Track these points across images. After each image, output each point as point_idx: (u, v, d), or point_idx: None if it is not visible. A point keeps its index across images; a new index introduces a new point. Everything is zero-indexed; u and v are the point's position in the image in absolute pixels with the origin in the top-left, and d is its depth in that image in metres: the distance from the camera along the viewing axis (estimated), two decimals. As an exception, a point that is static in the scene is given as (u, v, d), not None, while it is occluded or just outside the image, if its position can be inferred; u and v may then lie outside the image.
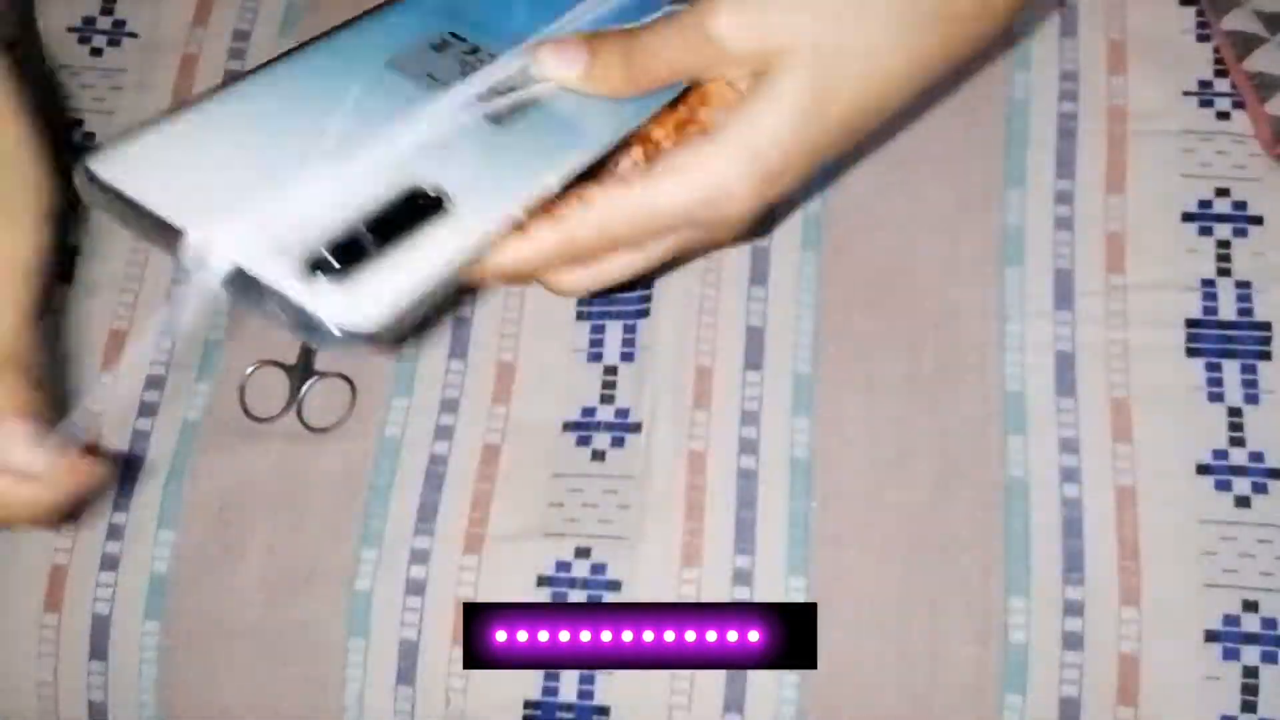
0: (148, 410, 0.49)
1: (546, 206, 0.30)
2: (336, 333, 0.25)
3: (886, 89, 0.31)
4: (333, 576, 0.46)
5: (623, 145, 0.33)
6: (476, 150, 0.30)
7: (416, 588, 0.46)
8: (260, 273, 0.25)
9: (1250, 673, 0.42)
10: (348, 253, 0.26)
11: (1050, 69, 0.50)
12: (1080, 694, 0.42)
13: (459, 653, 0.45)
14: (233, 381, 0.49)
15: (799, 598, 0.44)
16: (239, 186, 0.27)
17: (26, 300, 0.31)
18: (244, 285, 0.25)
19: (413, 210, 0.28)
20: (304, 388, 0.49)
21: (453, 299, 0.28)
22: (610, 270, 0.33)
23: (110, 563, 0.47)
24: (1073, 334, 0.46)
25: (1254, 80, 0.48)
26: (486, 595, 0.45)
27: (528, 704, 0.44)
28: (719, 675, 0.44)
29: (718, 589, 0.44)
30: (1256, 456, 0.44)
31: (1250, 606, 0.42)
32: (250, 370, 0.49)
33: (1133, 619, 0.43)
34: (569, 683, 0.44)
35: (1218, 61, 0.49)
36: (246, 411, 0.49)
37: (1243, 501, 0.44)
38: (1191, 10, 0.50)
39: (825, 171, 0.49)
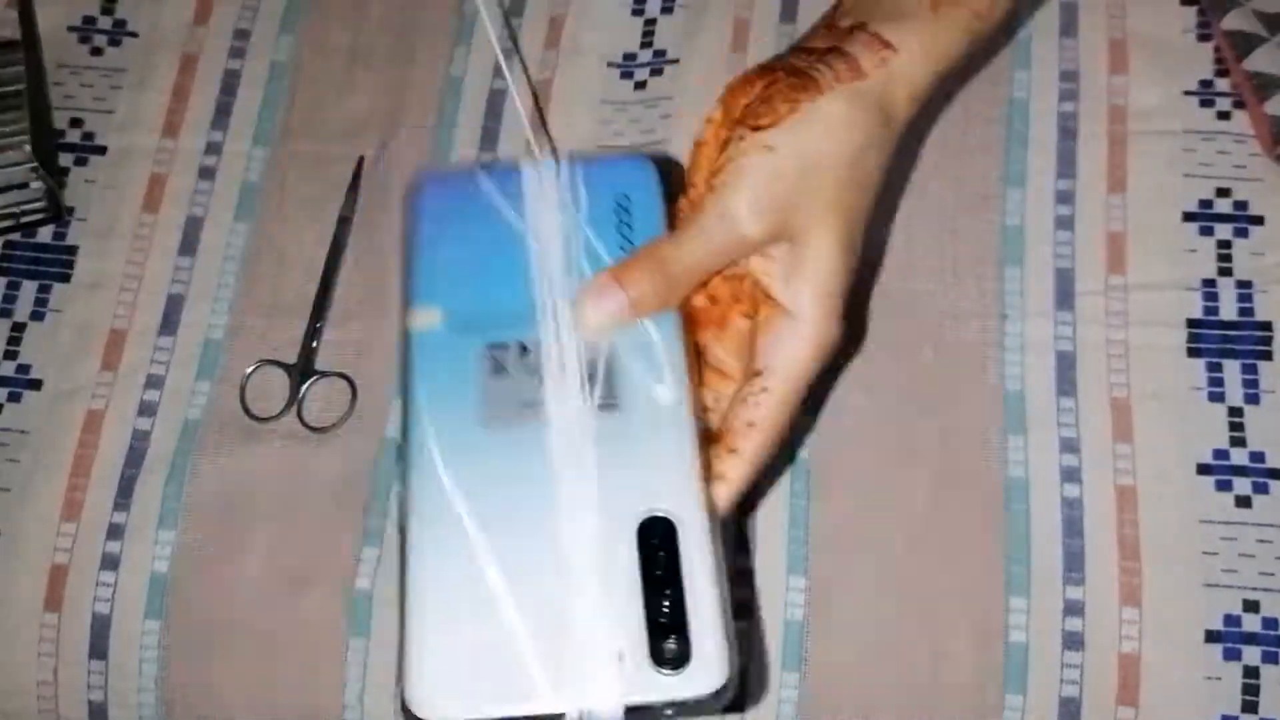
0: (148, 410, 0.49)
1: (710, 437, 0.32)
2: (719, 703, 0.27)
3: (878, 178, 0.36)
4: (333, 576, 0.46)
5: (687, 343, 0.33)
6: (642, 453, 0.30)
7: (417, 587, 0.46)
8: (638, 699, 0.27)
9: (1251, 673, 0.42)
10: (667, 629, 0.27)
11: (1050, 69, 0.50)
12: (1080, 694, 0.42)
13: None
14: (233, 381, 0.49)
15: (799, 598, 0.44)
16: (547, 639, 0.27)
17: None
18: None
19: (654, 542, 0.28)
20: (304, 387, 0.49)
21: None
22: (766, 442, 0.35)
23: (110, 562, 0.47)
24: (1073, 334, 0.46)
25: (1253, 80, 0.47)
26: (487, 595, 0.45)
27: (528, 704, 0.44)
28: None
29: (718, 589, 0.44)
30: (1257, 456, 0.44)
31: (1251, 606, 0.42)
32: (251, 369, 0.49)
33: (1133, 619, 0.43)
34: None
35: (1218, 61, 0.49)
36: (247, 411, 0.49)
37: (1243, 501, 0.44)
38: (1192, 10, 0.50)
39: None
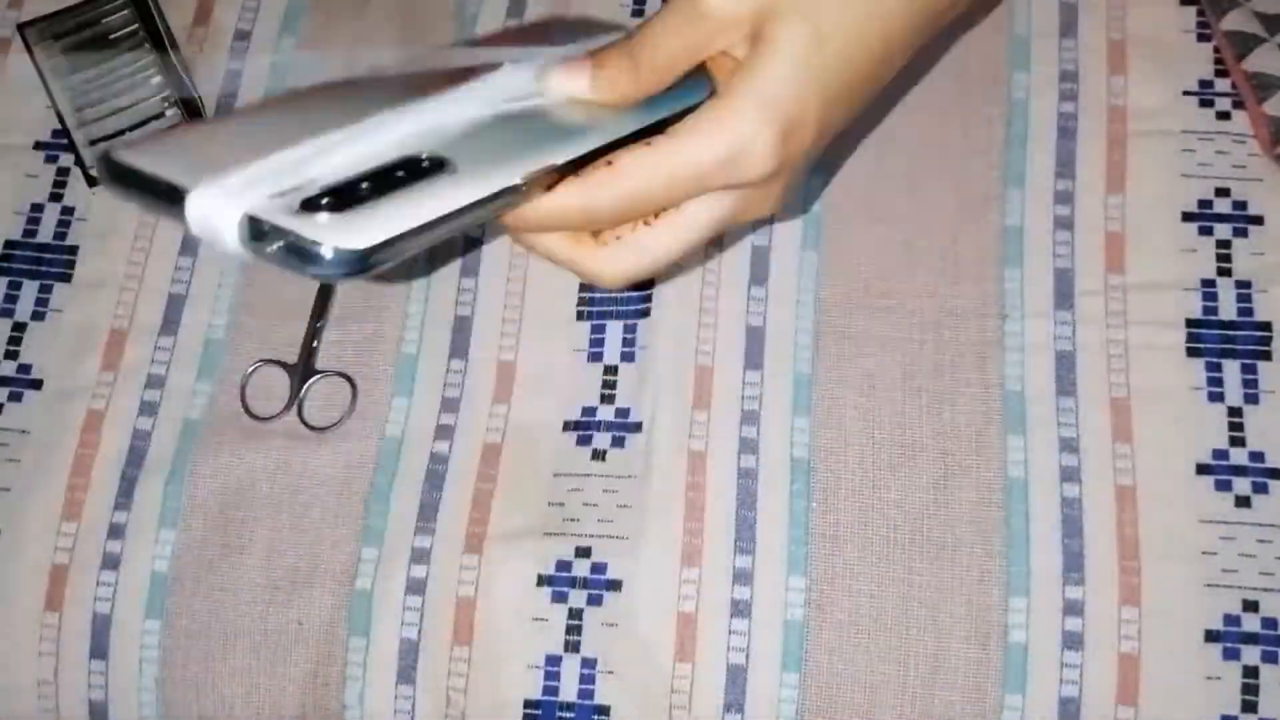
0: (149, 409, 0.50)
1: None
2: (328, 254, 0.25)
3: (885, 26, 0.32)
4: (333, 575, 0.46)
5: (635, 139, 0.32)
6: (487, 133, 0.31)
7: (417, 587, 0.46)
8: (261, 213, 0.26)
9: (1250, 673, 0.42)
10: (346, 196, 0.27)
11: (1050, 69, 0.50)
12: (1080, 694, 0.42)
13: (460, 652, 0.45)
14: (234, 380, 0.49)
15: (799, 598, 0.44)
16: (247, 151, 0.28)
17: None
18: (250, 232, 0.26)
19: (414, 171, 0.28)
20: (305, 387, 0.49)
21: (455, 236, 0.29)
22: (653, 249, 0.33)
23: (111, 561, 0.47)
24: (1072, 334, 0.46)
25: (1252, 80, 0.48)
26: (487, 594, 0.45)
27: (528, 703, 0.44)
28: (719, 675, 0.44)
29: (718, 589, 0.44)
30: (1257, 456, 0.44)
31: (1250, 606, 0.43)
32: (251, 369, 0.49)
33: (1132, 619, 0.43)
34: (569, 682, 0.44)
35: (1218, 61, 0.49)
36: (247, 410, 0.49)
37: (1243, 501, 0.44)
38: (1191, 10, 0.50)
39: (824, 169, 0.49)
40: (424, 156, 0.29)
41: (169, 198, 0.26)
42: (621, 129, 0.32)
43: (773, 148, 0.31)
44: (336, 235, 0.25)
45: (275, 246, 0.26)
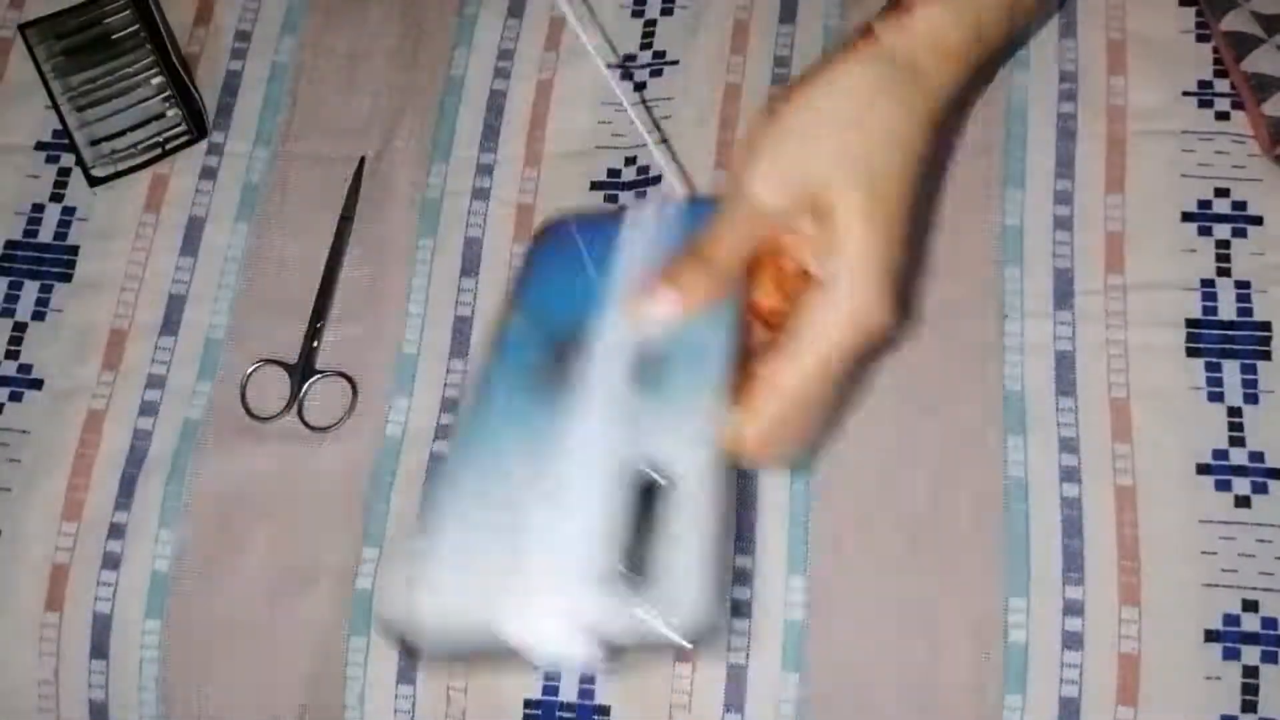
0: (149, 409, 0.50)
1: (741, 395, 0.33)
2: (689, 643, 0.27)
3: (911, 150, 0.35)
4: (334, 575, 0.46)
5: (741, 333, 0.34)
6: (657, 420, 0.32)
7: (417, 587, 0.46)
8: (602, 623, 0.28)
9: (1250, 672, 0.42)
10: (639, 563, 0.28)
11: (1050, 69, 0.50)
12: (1080, 694, 0.42)
13: (459, 652, 0.45)
14: (234, 380, 0.50)
15: (799, 598, 0.44)
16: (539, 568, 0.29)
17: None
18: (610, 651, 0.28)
19: (654, 500, 0.30)
20: (305, 387, 0.49)
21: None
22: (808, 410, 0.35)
23: (111, 561, 0.47)
24: (1072, 334, 0.46)
25: (1252, 81, 0.48)
26: (487, 594, 0.45)
27: (528, 703, 0.44)
28: (719, 675, 0.44)
29: (718, 588, 0.44)
30: (1256, 456, 0.44)
31: (1250, 606, 0.43)
32: (251, 369, 0.50)
33: (1132, 619, 0.43)
34: (569, 682, 0.44)
35: (1217, 62, 0.49)
36: (248, 410, 0.49)
37: (1243, 501, 0.44)
38: (1191, 11, 0.50)
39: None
40: (652, 479, 0.30)
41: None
42: (727, 334, 0.34)
43: (882, 293, 0.33)
44: (680, 626, 0.27)
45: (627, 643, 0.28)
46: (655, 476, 0.30)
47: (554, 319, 0.36)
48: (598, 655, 0.27)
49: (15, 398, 0.50)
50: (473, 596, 0.29)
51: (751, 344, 0.35)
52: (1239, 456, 0.44)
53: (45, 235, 0.53)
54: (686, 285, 0.34)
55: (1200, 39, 0.50)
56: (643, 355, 0.34)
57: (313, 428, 0.49)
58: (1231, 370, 0.45)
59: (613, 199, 0.51)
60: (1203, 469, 0.44)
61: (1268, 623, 0.42)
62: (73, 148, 0.53)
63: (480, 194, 0.52)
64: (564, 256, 0.38)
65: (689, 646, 0.27)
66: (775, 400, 0.33)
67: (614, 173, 0.51)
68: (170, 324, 0.51)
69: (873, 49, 0.34)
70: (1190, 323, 0.46)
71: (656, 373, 0.33)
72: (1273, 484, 0.44)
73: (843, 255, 0.33)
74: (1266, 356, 0.45)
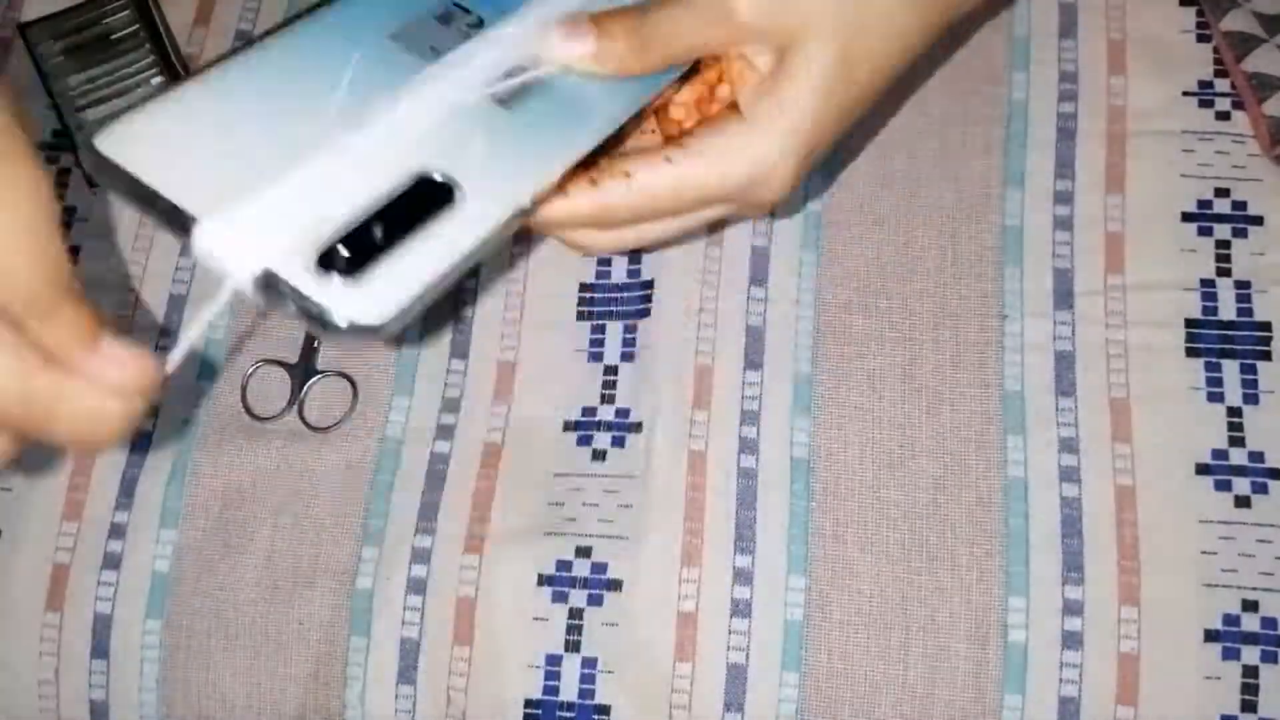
0: (149, 409, 0.49)
1: (582, 172, 0.30)
2: (344, 325, 0.25)
3: (904, 45, 0.32)
4: (334, 575, 0.46)
5: (634, 121, 0.32)
6: (485, 135, 0.30)
7: (418, 586, 0.46)
8: (277, 269, 0.26)
9: (1250, 672, 0.42)
10: (360, 247, 0.27)
11: (1050, 69, 0.50)
12: (1080, 694, 0.42)
13: (460, 652, 0.45)
14: (234, 380, 0.50)
15: (799, 597, 0.44)
16: (248, 170, 0.27)
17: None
18: (263, 282, 0.26)
19: (422, 199, 0.28)
20: (305, 386, 0.49)
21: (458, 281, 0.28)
22: (644, 235, 0.33)
23: (112, 561, 0.47)
24: (1072, 334, 0.46)
25: (1252, 81, 0.48)
26: (487, 594, 0.45)
27: (528, 703, 0.45)
28: (719, 675, 0.44)
29: (718, 588, 0.44)
30: (1256, 456, 0.44)
31: (1250, 606, 0.43)
32: (252, 369, 0.50)
33: (1131, 618, 0.43)
34: (569, 682, 0.45)
35: (1217, 62, 0.49)
36: (248, 410, 0.49)
37: (1242, 501, 0.44)
38: (1191, 10, 0.50)
39: (825, 170, 0.49)
40: (431, 179, 0.28)
41: (172, 217, 0.26)
42: (622, 113, 0.31)
43: (794, 173, 0.31)
44: (351, 307, 0.25)
45: (290, 306, 0.26)
46: (442, 183, 0.28)
47: None
48: (256, 295, 0.26)
49: (15, 398, 0.50)
50: (199, 166, 0.27)
51: (628, 142, 0.33)
52: (1239, 457, 0.44)
53: (45, 235, 0.53)
54: (612, 45, 0.30)
55: (1200, 39, 0.50)
56: (519, 75, 0.31)
57: (313, 428, 0.49)
58: (1231, 370, 0.45)
59: None
60: (1202, 469, 0.44)
61: (1267, 623, 0.42)
62: (72, 148, 0.53)
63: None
64: None
65: (340, 327, 0.25)
66: (621, 196, 0.30)
67: None
68: (170, 324, 0.51)
69: None
70: (1190, 323, 0.46)
71: (521, 99, 0.30)
72: (1272, 484, 0.44)
73: (777, 116, 0.30)
74: (1266, 357, 0.45)
